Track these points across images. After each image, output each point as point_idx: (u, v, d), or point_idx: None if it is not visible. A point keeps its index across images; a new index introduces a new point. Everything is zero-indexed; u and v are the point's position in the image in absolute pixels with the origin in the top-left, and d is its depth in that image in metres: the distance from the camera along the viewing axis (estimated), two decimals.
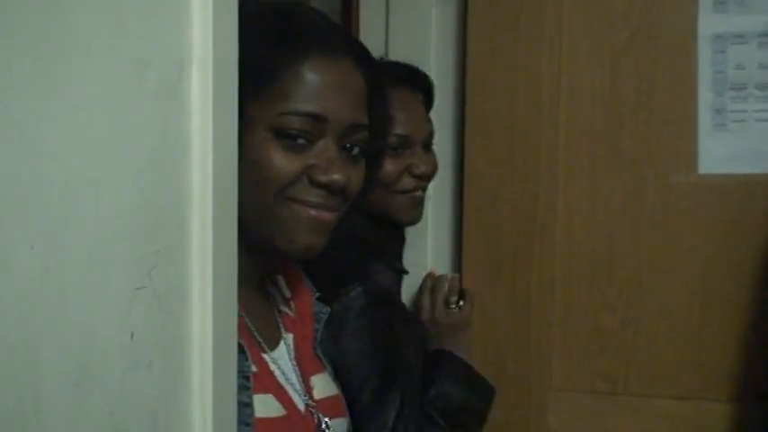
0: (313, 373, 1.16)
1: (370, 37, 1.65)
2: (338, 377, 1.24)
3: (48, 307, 0.64)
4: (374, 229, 1.44)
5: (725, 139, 1.48)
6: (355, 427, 1.23)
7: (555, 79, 1.54)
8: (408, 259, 1.63)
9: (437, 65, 1.64)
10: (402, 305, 1.51)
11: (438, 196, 1.65)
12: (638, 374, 1.54)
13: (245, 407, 0.97)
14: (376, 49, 1.62)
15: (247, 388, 0.99)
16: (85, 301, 0.68)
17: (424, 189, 1.50)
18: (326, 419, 1.13)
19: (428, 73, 1.57)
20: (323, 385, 1.17)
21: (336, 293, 1.27)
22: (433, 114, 1.58)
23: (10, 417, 0.62)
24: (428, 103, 1.53)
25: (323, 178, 1.02)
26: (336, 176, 1.02)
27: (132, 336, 0.73)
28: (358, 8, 1.69)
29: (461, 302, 1.58)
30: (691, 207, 1.50)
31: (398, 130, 1.40)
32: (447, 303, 1.58)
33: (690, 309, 1.51)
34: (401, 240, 1.57)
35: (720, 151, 1.48)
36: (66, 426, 0.67)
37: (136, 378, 0.73)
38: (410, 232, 1.60)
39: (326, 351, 1.23)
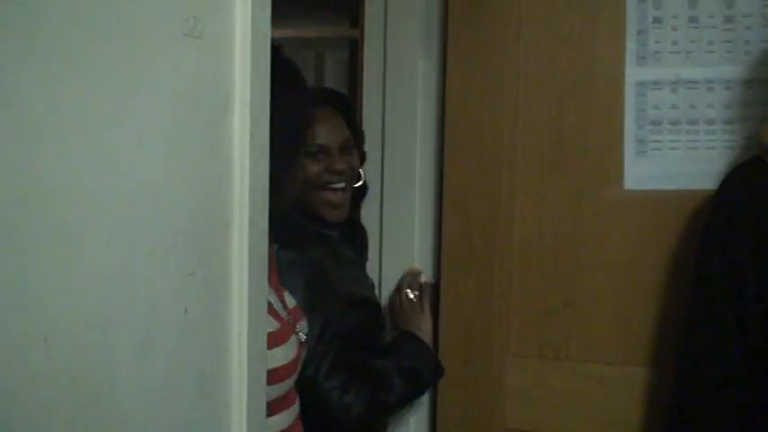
0: (283, 290, 1.19)
1: (373, 82, 1.66)
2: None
3: (119, 288, 0.64)
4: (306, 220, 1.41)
5: (645, 162, 1.49)
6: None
7: (513, 117, 1.54)
8: (399, 253, 1.63)
9: (423, 106, 1.64)
10: (334, 249, 1.44)
11: (423, 204, 1.65)
12: (576, 344, 1.53)
13: None
14: (375, 92, 1.64)
15: None
16: (149, 284, 0.68)
17: (346, 191, 1.44)
18: (298, 324, 1.17)
19: (416, 113, 1.59)
20: (289, 297, 1.19)
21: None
22: (419, 142, 1.59)
23: (88, 376, 0.62)
24: (347, 114, 1.48)
25: None
26: None
27: (186, 311, 0.72)
28: (362, 62, 1.69)
29: (417, 293, 1.57)
30: (618, 215, 1.50)
31: (317, 140, 1.39)
32: (407, 295, 1.58)
33: (618, 293, 1.50)
34: (353, 233, 1.54)
35: (642, 172, 1.49)
36: (133, 382, 0.66)
37: (188, 344, 0.73)
38: (403, 230, 1.62)
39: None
